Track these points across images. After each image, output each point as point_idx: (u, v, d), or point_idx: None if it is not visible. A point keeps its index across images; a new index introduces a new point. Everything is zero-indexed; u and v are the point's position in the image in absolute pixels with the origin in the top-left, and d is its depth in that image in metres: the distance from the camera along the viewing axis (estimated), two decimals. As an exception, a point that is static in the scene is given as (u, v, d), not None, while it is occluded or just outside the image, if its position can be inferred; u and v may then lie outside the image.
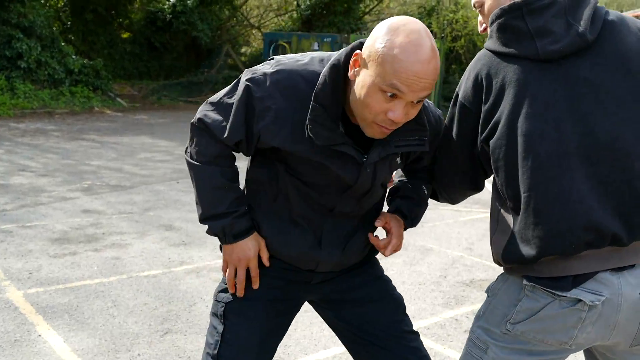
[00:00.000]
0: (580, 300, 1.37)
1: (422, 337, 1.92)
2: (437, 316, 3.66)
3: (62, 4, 21.02)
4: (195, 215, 5.70)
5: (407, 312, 1.89)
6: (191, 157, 1.69)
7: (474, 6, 1.71)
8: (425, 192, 1.83)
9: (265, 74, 1.58)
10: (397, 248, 1.74)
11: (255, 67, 1.65)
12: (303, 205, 1.66)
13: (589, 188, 1.37)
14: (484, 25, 1.69)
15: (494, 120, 1.46)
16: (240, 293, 1.71)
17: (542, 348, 1.46)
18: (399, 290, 1.94)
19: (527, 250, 1.41)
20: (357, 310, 1.80)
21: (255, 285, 1.71)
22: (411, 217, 1.80)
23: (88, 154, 9.28)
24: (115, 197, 6.47)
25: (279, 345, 1.83)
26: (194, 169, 1.69)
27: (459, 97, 1.56)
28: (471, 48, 20.72)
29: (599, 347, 1.54)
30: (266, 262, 1.70)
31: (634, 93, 1.41)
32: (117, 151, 9.73)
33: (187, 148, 1.72)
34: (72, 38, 19.79)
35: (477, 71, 1.50)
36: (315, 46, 17.52)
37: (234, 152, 1.70)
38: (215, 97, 1.68)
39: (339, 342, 1.95)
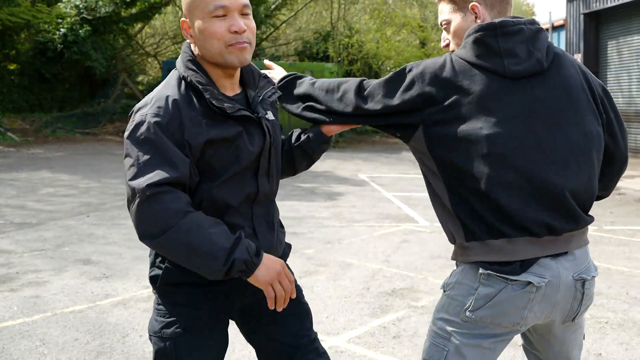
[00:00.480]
0: (529, 283, 1.63)
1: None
2: (366, 325, 3.86)
3: (-60, 35, 19.75)
4: (112, 247, 5.66)
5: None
6: (163, 230, 1.56)
7: (441, 24, 1.90)
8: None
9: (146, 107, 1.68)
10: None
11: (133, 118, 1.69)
12: (230, 205, 1.72)
13: (531, 188, 1.64)
14: (447, 41, 1.89)
15: (454, 115, 1.66)
16: (292, 295, 1.70)
17: (497, 331, 1.69)
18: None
19: (485, 229, 1.65)
20: (273, 326, 1.88)
21: (294, 294, 1.71)
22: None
23: (-16, 193, 8.79)
24: (22, 235, 6.22)
25: None
26: (176, 234, 1.56)
27: (418, 82, 1.70)
28: (367, 70, 21.55)
29: (537, 327, 1.81)
30: (290, 277, 1.70)
31: (573, 117, 1.71)
32: (16, 188, 9.29)
33: (144, 230, 1.58)
34: (-47, 71, 18.66)
35: (449, 71, 1.69)
36: (216, 73, 17.61)
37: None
38: (132, 165, 1.62)
39: None
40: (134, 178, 1.58)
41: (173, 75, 1.77)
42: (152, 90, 1.80)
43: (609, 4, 14.39)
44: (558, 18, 26.03)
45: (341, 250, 5.77)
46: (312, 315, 1.97)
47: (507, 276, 1.64)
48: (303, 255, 5.53)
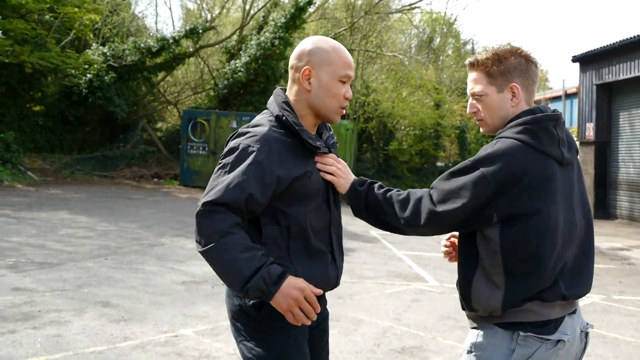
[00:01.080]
0: (560, 341, 1.85)
1: None
2: (376, 381, 3.97)
3: (-29, 75, 20.46)
4: (131, 291, 5.82)
5: None
6: (205, 244, 1.82)
7: (473, 94, 2.00)
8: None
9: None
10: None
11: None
12: (313, 234, 2.00)
13: (571, 261, 1.92)
14: (476, 110, 2.01)
15: (526, 197, 1.79)
16: (312, 318, 1.83)
17: None
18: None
19: (525, 296, 1.83)
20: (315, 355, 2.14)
21: (317, 311, 1.83)
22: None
23: (5, 230, 9.03)
24: (44, 275, 6.40)
25: None
26: (212, 251, 1.80)
27: (490, 174, 1.80)
28: (382, 129, 21.98)
29: None
30: (318, 292, 1.84)
31: (584, 194, 2.02)
32: (36, 227, 9.53)
33: (195, 238, 1.86)
34: (-19, 110, 19.23)
35: (518, 161, 1.80)
36: (234, 124, 18.02)
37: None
38: (211, 181, 1.96)
39: None
40: (206, 192, 1.88)
41: (264, 116, 2.06)
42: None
43: (621, 77, 14.75)
44: (571, 86, 26.55)
45: (353, 306, 5.89)
46: None
47: (543, 336, 1.83)
48: (315, 309, 5.66)
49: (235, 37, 22.41)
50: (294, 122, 1.98)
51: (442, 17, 29.72)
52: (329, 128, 2.21)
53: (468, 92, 2.04)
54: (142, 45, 20.51)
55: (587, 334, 1.99)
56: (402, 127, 22.12)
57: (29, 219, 10.26)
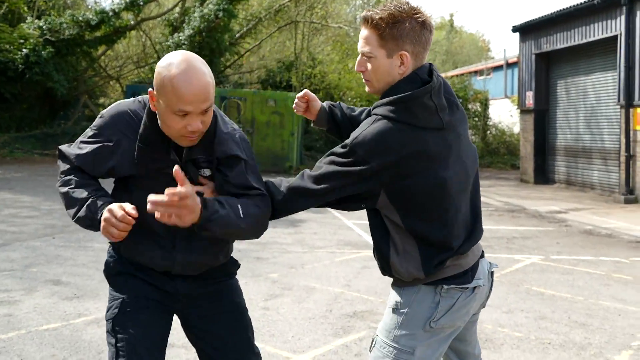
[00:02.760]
0: (476, 287, 2.00)
1: None
2: (330, 344, 4.12)
3: None
4: (81, 269, 5.78)
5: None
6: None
7: (362, 53, 1.96)
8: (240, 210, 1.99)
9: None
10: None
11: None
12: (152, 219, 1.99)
13: (466, 210, 2.04)
14: (364, 69, 1.98)
15: (410, 171, 1.86)
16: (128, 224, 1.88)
17: (451, 330, 2.02)
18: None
19: (442, 258, 1.94)
20: (212, 338, 2.21)
21: (133, 213, 1.86)
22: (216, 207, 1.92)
23: (-55, 212, 8.74)
24: (-11, 256, 6.27)
25: None
26: (59, 184, 2.08)
27: (373, 160, 1.84)
28: (328, 100, 22.02)
29: None
30: (133, 213, 1.86)
31: (468, 137, 2.11)
32: (-23, 208, 9.25)
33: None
34: None
35: (394, 138, 1.84)
36: (180, 98, 17.76)
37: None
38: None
39: None
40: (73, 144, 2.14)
41: (138, 98, 2.11)
42: None
43: (559, 46, 15.25)
44: (512, 55, 27.22)
45: (304, 274, 6.02)
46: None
47: (462, 285, 1.98)
48: (268, 279, 5.77)
49: (177, 9, 21.93)
50: (140, 135, 2.00)
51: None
52: (203, 148, 2.02)
53: (359, 48, 1.99)
54: (80, 18, 19.80)
55: (492, 273, 2.14)
56: (349, 99, 22.24)
57: (-31, 200, 9.94)
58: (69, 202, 2.03)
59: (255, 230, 1.99)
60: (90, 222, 1.97)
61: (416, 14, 1.91)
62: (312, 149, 20.77)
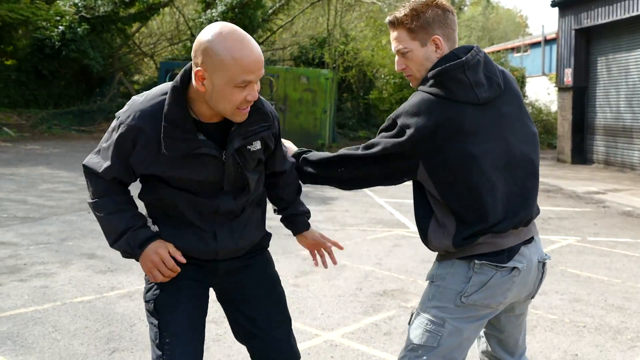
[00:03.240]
0: (514, 268, 1.96)
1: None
2: (359, 323, 4.10)
3: (-62, 28, 19.83)
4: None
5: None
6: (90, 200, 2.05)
7: (398, 51, 2.08)
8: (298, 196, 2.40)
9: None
10: (331, 244, 2.48)
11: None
12: (192, 210, 2.02)
13: (509, 190, 1.99)
14: (404, 66, 2.09)
15: (445, 145, 1.92)
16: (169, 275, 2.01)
17: (485, 311, 1.99)
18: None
19: (472, 231, 1.93)
20: (247, 308, 2.20)
21: (176, 270, 2.00)
22: (304, 219, 2.42)
23: (-15, 186, 8.96)
24: (27, 229, 6.41)
25: None
26: (92, 207, 2.04)
27: (416, 125, 1.92)
28: (362, 77, 21.85)
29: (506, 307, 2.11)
30: (181, 259, 2.01)
31: (525, 124, 2.09)
32: (16, 183, 9.46)
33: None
34: (-49, 65, 18.75)
35: (432, 113, 1.92)
36: (213, 75, 17.79)
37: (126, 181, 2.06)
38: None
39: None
40: (94, 156, 2.06)
41: (163, 88, 1.97)
42: (147, 90, 2.12)
43: (600, 21, 14.76)
44: (550, 32, 26.50)
45: (336, 252, 5.95)
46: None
47: (498, 264, 1.95)
48: (299, 257, 5.77)
49: (210, -15, 21.87)
50: (165, 115, 1.89)
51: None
52: (258, 118, 2.01)
53: (393, 50, 2.11)
54: (114, -5, 19.95)
55: (544, 264, 2.10)
56: (382, 76, 21.97)
57: (8, 175, 10.18)
58: (106, 229, 2.02)
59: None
60: (130, 255, 2.01)
61: (435, 1, 2.04)
62: (345, 127, 20.66)
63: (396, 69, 2.13)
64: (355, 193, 10.05)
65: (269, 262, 2.30)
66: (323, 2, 21.66)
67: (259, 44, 22.58)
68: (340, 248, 2.42)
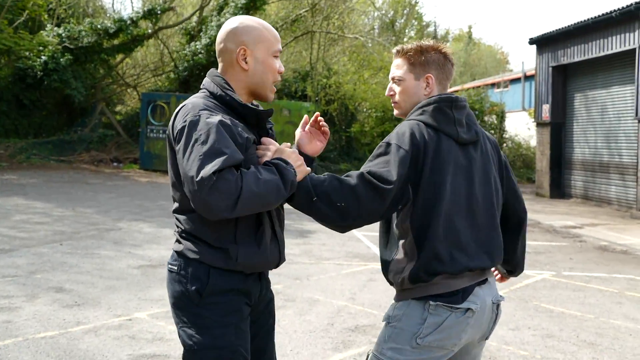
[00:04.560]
0: (468, 309, 1.96)
1: None
2: (328, 359, 4.03)
3: None
4: (85, 277, 5.77)
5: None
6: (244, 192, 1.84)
7: (393, 78, 2.22)
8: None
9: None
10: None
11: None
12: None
13: (471, 233, 2.02)
14: (393, 93, 2.22)
15: (428, 170, 2.00)
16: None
17: (440, 353, 1.98)
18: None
19: (429, 268, 1.95)
20: (256, 340, 2.15)
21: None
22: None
23: (-43, 217, 8.81)
24: (-5, 261, 6.28)
25: None
26: (246, 197, 1.83)
27: (404, 149, 1.99)
28: (343, 111, 22.01)
29: (461, 348, 2.09)
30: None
31: (491, 175, 2.14)
32: (-11, 213, 9.31)
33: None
34: None
35: (419, 137, 2.02)
36: (195, 107, 17.82)
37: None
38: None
39: None
40: (195, 167, 1.82)
41: (202, 95, 2.05)
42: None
43: (576, 59, 15.08)
44: (530, 68, 26.97)
45: (309, 286, 5.95)
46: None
47: (452, 305, 1.95)
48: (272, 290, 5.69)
49: (195, 18, 22.09)
50: (238, 100, 2.03)
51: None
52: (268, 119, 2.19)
53: (390, 76, 2.26)
54: (98, 26, 20.03)
55: (498, 305, 2.11)
56: (364, 110, 22.18)
57: (-18, 205, 10.02)
58: (271, 185, 1.87)
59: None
60: (295, 178, 1.94)
61: (440, 48, 2.20)
62: (327, 159, 20.72)
63: (386, 94, 2.27)
64: (333, 226, 10.00)
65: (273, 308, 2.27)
66: (307, 36, 21.94)
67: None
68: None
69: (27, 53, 19.30)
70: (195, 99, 2.02)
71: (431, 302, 1.96)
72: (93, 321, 4.57)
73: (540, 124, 16.85)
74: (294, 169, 1.95)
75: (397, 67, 2.21)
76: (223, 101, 2.01)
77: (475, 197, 2.06)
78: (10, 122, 20.28)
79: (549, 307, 5.60)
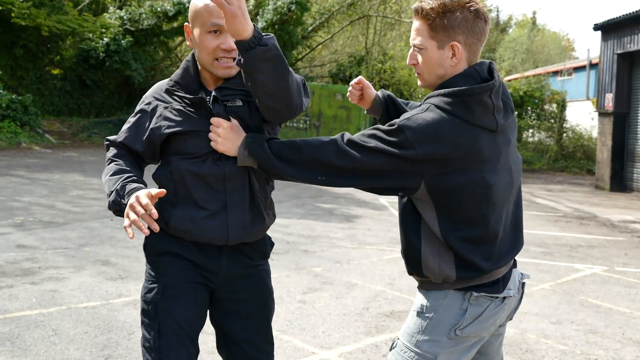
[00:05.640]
0: (506, 297, 1.89)
1: None
2: (359, 343, 4.02)
3: (-9, 37, 20.68)
4: (131, 251, 5.93)
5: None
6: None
7: (414, 46, 1.88)
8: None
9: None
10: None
11: None
12: (200, 184, 2.02)
13: (509, 223, 1.94)
14: (415, 62, 1.90)
15: (455, 168, 1.75)
16: (146, 228, 1.84)
17: (475, 340, 1.90)
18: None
19: (479, 264, 1.82)
20: (236, 323, 2.16)
21: (155, 216, 1.78)
22: None
23: (18, 190, 9.22)
24: (49, 233, 6.54)
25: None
26: (103, 175, 2.08)
27: (429, 145, 1.72)
28: (398, 96, 21.77)
29: None
30: (161, 192, 1.86)
31: (515, 148, 2.00)
32: (48, 188, 9.70)
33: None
34: (0, 73, 19.45)
35: (446, 129, 1.74)
36: (249, 90, 18.00)
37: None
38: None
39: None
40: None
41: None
42: None
43: (644, 46, 14.38)
44: (596, 56, 25.93)
45: (349, 270, 5.94)
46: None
47: (494, 295, 1.87)
48: (311, 273, 5.72)
49: (252, 1, 22.23)
50: (172, 80, 2.08)
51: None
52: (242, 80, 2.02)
53: (410, 41, 1.91)
54: (158, 9, 20.46)
55: (523, 284, 2.03)
56: (419, 95, 21.86)
57: (42, 180, 10.45)
58: (106, 188, 2.00)
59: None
60: (118, 207, 1.92)
61: (469, 2, 1.81)
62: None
63: (407, 62, 1.93)
64: (380, 212, 9.95)
65: (267, 274, 2.25)
66: (363, 20, 21.75)
67: (297, 60, 22.80)
68: None
69: (90, 35, 19.91)
70: (161, 82, 2.19)
71: (474, 293, 1.84)
72: (134, 294, 4.70)
73: (602, 114, 16.20)
74: (125, 198, 1.91)
75: (417, 33, 1.86)
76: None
77: (514, 184, 1.92)
78: (73, 101, 21.04)
79: (596, 302, 5.40)
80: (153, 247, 2.09)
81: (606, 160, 15.85)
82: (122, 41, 19.75)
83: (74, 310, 4.24)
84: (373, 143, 1.77)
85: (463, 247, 1.80)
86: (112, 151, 2.11)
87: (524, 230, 2.06)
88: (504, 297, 1.89)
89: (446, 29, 1.80)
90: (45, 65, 20.95)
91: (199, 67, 2.07)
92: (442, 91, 1.81)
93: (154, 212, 1.78)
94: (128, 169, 2.03)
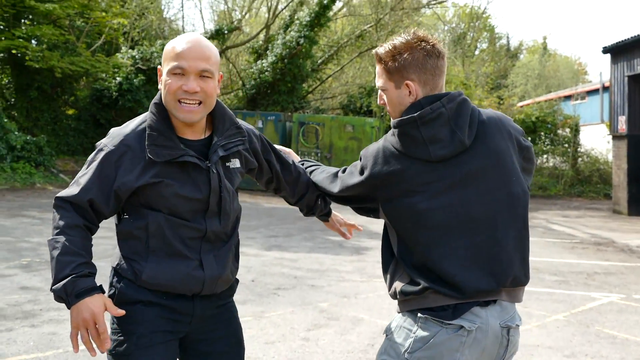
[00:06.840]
0: (462, 327, 1.78)
1: None
2: (363, 382, 3.89)
3: (6, 80, 21.07)
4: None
5: None
6: (51, 234, 1.92)
7: (379, 88, 2.03)
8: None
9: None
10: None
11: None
12: (177, 238, 1.95)
13: (467, 253, 1.83)
14: (382, 101, 2.04)
15: (397, 192, 1.88)
16: (91, 353, 1.84)
17: None
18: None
19: (423, 284, 1.83)
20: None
21: (107, 346, 1.80)
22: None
23: (28, 231, 9.23)
24: (54, 274, 6.50)
25: None
26: (49, 243, 1.88)
27: (370, 171, 1.93)
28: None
29: None
30: (119, 312, 1.87)
31: (500, 179, 1.89)
32: (57, 228, 9.71)
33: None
34: (16, 114, 19.76)
35: (383, 158, 1.91)
36: (260, 124, 18.07)
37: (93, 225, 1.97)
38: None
39: None
40: (67, 188, 1.96)
41: (143, 115, 2.04)
42: None
43: (655, 68, 14.25)
44: (608, 79, 25.79)
45: (356, 304, 5.81)
46: None
47: (443, 320, 1.79)
48: (317, 309, 5.60)
49: (261, 36, 22.52)
50: (149, 125, 1.95)
51: (475, 10, 29.28)
52: (235, 132, 2.08)
53: (375, 84, 2.08)
54: (170, 47, 20.74)
55: (509, 330, 1.87)
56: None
57: (53, 220, 10.47)
58: (53, 267, 1.85)
59: None
60: (63, 302, 1.84)
61: (417, 43, 1.93)
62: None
63: (378, 102, 2.09)
64: (391, 243, 9.80)
65: (235, 310, 2.22)
66: (371, 51, 21.89)
67: (308, 92, 22.94)
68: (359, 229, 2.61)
69: (103, 75, 20.22)
70: (126, 127, 2.06)
71: (420, 315, 1.83)
72: (134, 335, 4.61)
73: (616, 137, 15.99)
74: (73, 299, 1.82)
75: (379, 76, 2.01)
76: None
77: (470, 213, 1.84)
78: (88, 140, 21.25)
79: (612, 332, 5.21)
80: (123, 297, 1.99)
81: (622, 183, 15.59)
82: (134, 80, 20.01)
83: (71, 354, 4.15)
84: (348, 170, 2.08)
85: (411, 271, 1.87)
86: (66, 216, 1.89)
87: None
88: (459, 327, 1.79)
89: (399, 70, 1.93)
90: (60, 106, 21.26)
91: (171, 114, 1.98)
92: (391, 123, 2.00)
93: (108, 342, 1.81)
94: (82, 252, 1.86)
